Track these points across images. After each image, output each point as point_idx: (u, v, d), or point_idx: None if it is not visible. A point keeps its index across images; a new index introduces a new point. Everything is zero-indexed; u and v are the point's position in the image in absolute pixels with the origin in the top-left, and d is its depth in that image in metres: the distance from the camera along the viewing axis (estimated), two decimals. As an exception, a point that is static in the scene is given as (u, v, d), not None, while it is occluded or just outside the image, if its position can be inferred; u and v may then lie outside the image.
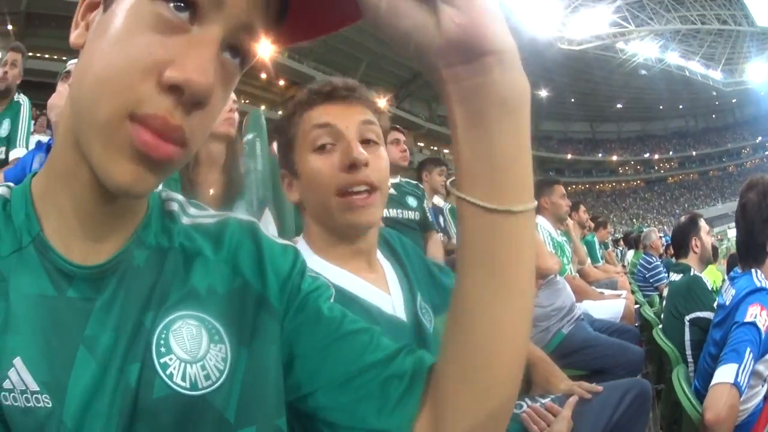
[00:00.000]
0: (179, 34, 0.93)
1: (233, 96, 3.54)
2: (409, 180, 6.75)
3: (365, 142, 2.02)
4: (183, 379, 1.06)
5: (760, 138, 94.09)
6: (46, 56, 37.28)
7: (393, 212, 6.03)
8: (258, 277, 1.22)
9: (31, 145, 6.34)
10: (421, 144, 76.32)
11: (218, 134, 3.57)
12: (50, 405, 0.96)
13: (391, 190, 6.04)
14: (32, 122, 6.93)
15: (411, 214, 6.17)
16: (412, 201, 6.27)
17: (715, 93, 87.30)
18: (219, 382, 1.09)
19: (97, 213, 1.06)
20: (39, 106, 10.00)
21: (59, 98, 4.15)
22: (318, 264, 2.01)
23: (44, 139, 6.51)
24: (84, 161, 1.00)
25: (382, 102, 61.46)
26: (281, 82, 55.46)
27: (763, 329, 3.22)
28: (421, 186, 7.01)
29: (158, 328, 1.07)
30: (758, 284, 3.47)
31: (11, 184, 1.17)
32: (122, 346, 1.04)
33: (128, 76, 0.91)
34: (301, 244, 2.12)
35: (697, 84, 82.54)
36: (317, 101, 2.07)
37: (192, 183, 3.58)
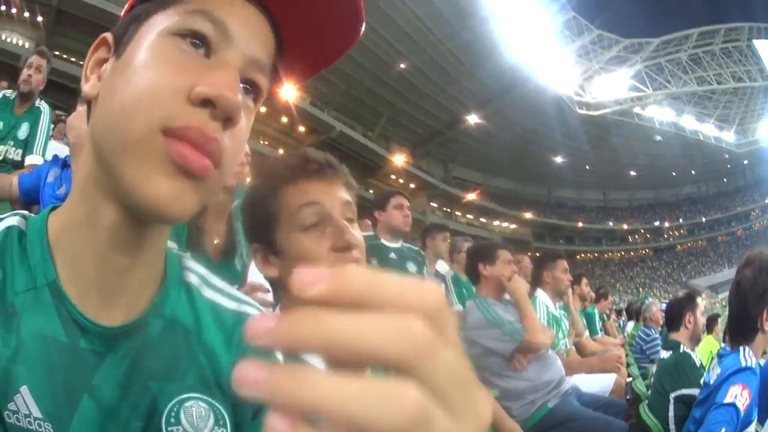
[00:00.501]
0: (199, 62, 1.01)
1: (247, 149, 3.72)
2: (411, 246, 6.79)
3: (347, 219, 2.02)
4: None
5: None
6: (72, 59, 36.96)
7: None
8: None
9: (49, 152, 6.44)
10: (434, 204, 75.92)
11: (227, 185, 3.62)
12: None
13: (392, 255, 6.16)
14: (51, 127, 6.95)
15: None
16: (412, 266, 6.30)
17: (727, 156, 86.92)
18: None
19: (114, 265, 1.08)
20: (60, 108, 9.94)
21: (79, 119, 4.16)
22: None
23: (61, 149, 6.66)
24: (106, 205, 1.04)
25: (400, 159, 61.43)
26: (301, 128, 55.43)
27: (742, 408, 3.26)
28: (423, 252, 7.05)
29: (171, 401, 1.14)
30: (743, 363, 3.47)
31: (27, 213, 1.19)
32: (127, 405, 1.09)
33: (158, 93, 0.97)
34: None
35: (710, 148, 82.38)
36: (299, 176, 2.04)
37: (199, 230, 3.66)
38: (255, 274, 2.95)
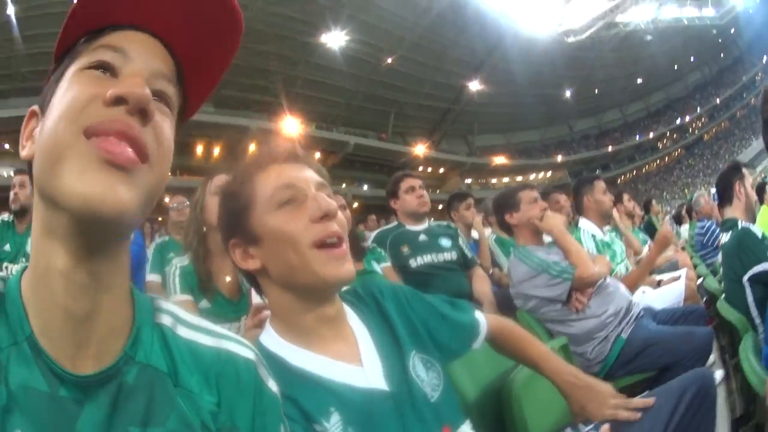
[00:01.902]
0: (109, 80, 1.13)
1: None
2: (439, 222, 6.77)
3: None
4: None
5: (765, 57, 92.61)
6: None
7: (428, 257, 6.05)
8: (242, 418, 1.31)
9: None
10: (469, 180, 76.69)
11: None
12: None
13: (422, 237, 6.15)
14: None
15: (447, 255, 6.15)
16: (445, 242, 6.25)
17: (714, 31, 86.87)
18: None
19: (76, 314, 1.11)
20: None
21: None
22: (280, 347, 2.00)
23: None
24: (57, 248, 1.09)
25: (421, 149, 62.04)
26: (317, 154, 55.96)
27: None
28: (453, 225, 6.95)
29: None
30: None
31: (4, 275, 1.23)
32: None
33: (76, 105, 1.07)
34: (267, 327, 2.11)
35: (697, 29, 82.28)
36: (270, 163, 2.08)
37: (208, 273, 3.78)
38: (257, 297, 2.77)
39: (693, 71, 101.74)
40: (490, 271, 7.50)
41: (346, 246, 1.98)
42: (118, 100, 1.07)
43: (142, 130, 1.09)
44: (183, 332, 1.32)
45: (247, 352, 1.38)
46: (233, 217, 2.08)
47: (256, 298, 2.97)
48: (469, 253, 6.49)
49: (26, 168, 1.21)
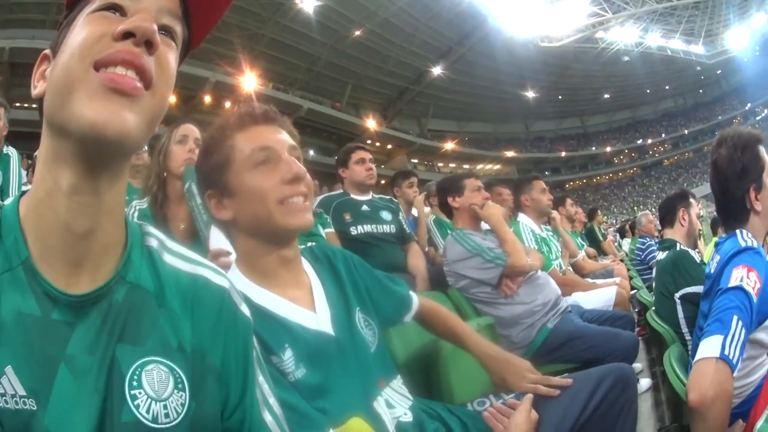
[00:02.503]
0: (119, 19, 1.22)
1: (197, 133, 4.07)
2: (382, 196, 6.89)
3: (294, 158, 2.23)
4: (147, 411, 1.24)
5: (749, 105, 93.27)
6: (34, 106, 37.95)
7: (368, 227, 6.21)
8: (213, 343, 1.40)
9: None
10: (415, 160, 76.51)
11: (181, 173, 3.86)
12: (35, 408, 1.12)
13: (364, 207, 6.33)
14: (24, 172, 7.13)
15: (387, 228, 6.30)
16: (386, 215, 6.40)
17: (699, 68, 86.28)
18: (176, 421, 1.28)
19: (76, 230, 1.21)
20: (30, 157, 10.06)
21: None
22: (245, 286, 2.17)
23: None
24: (63, 170, 1.19)
25: (373, 124, 61.95)
26: (260, 105, 55.87)
27: (753, 292, 2.89)
28: (395, 200, 7.09)
29: (134, 365, 1.24)
30: (743, 244, 3.18)
31: (1, 203, 1.30)
32: (96, 369, 1.19)
33: (88, 41, 1.18)
34: (233, 268, 2.30)
35: (680, 62, 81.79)
36: (249, 123, 2.28)
37: (165, 218, 3.91)
38: (215, 243, 3.19)
39: (665, 99, 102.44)
40: (425, 249, 7.68)
41: (309, 201, 2.21)
42: (126, 35, 1.18)
43: (147, 59, 1.19)
44: (167, 257, 1.43)
45: (221, 280, 1.49)
46: (212, 171, 2.27)
47: (213, 244, 3.17)
48: (407, 229, 6.66)
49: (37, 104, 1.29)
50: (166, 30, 1.29)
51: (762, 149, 3.39)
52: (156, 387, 1.25)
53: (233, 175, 2.21)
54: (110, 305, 1.25)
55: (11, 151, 6.77)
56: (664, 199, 5.87)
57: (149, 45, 1.19)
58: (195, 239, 3.69)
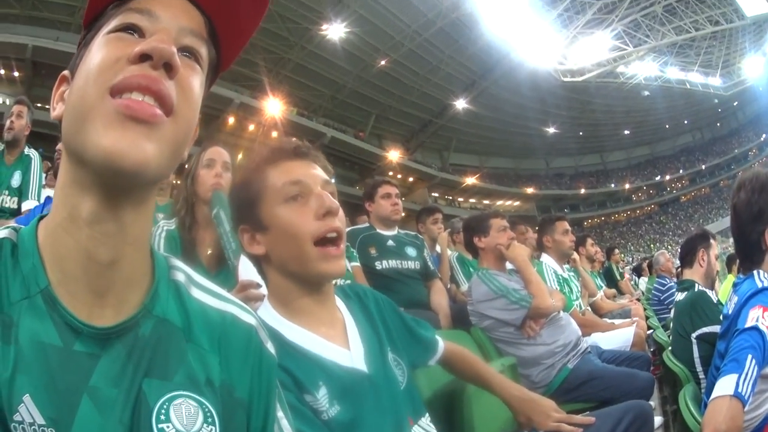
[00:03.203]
0: (137, 41, 1.15)
1: (227, 157, 4.04)
2: (408, 231, 6.86)
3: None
4: None
5: (764, 135, 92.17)
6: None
7: (393, 263, 6.17)
8: (240, 378, 1.36)
9: (43, 198, 6.55)
10: (436, 194, 76.26)
11: (208, 198, 3.78)
12: None
13: (390, 242, 6.29)
14: (44, 175, 7.10)
15: (411, 264, 6.27)
16: (411, 251, 6.38)
17: (716, 100, 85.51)
18: None
19: (98, 260, 1.15)
20: (49, 159, 10.10)
21: None
22: (278, 323, 2.16)
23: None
24: (83, 197, 1.13)
25: (395, 155, 61.72)
26: (293, 140, 55.60)
27: (767, 331, 3.00)
28: (420, 236, 7.08)
29: (161, 398, 1.18)
30: (759, 285, 3.26)
31: (17, 225, 1.25)
32: (121, 402, 1.13)
33: (104, 65, 1.11)
34: (265, 303, 2.30)
35: (698, 95, 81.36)
36: (281, 158, 2.25)
37: (193, 243, 3.83)
38: (244, 274, 3.06)
39: (683, 134, 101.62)
40: (448, 287, 7.62)
41: (343, 245, 2.19)
42: (143, 57, 1.11)
43: (166, 83, 1.12)
44: (195, 292, 1.38)
45: (248, 317, 1.46)
46: (244, 205, 2.28)
47: (242, 276, 3.09)
48: (431, 266, 6.63)
49: (57, 124, 1.24)
50: (188, 51, 1.23)
51: None
52: (185, 421, 1.21)
53: (266, 209, 2.20)
54: (136, 338, 1.21)
55: (33, 153, 6.80)
56: (686, 239, 5.92)
57: (168, 68, 1.13)
58: (222, 266, 3.67)
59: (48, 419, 1.04)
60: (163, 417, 1.18)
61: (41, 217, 1.24)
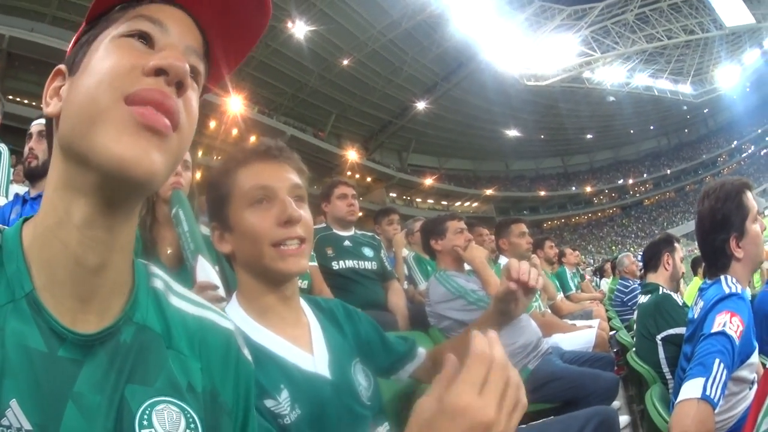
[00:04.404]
0: (148, 51, 1.17)
1: (188, 156, 3.97)
2: (364, 232, 6.88)
3: (295, 197, 2.24)
4: None
5: (735, 142, 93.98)
6: (26, 101, 37.68)
7: (350, 263, 6.15)
8: (223, 383, 1.38)
9: (11, 195, 6.29)
10: (394, 194, 77.06)
11: (168, 197, 3.75)
12: None
13: (347, 242, 6.30)
14: (12, 170, 6.86)
15: (368, 264, 6.27)
16: (368, 252, 6.39)
17: (685, 107, 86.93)
18: None
19: (86, 265, 1.14)
20: (17, 153, 9.90)
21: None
22: (244, 322, 2.20)
23: (21, 190, 6.44)
24: (76, 201, 1.13)
25: (354, 155, 62.03)
26: (252, 138, 55.61)
27: (735, 336, 3.08)
28: (377, 237, 7.10)
29: (143, 404, 1.19)
30: (727, 290, 3.34)
31: (1, 227, 1.22)
32: (105, 408, 1.13)
33: (118, 71, 1.11)
34: (233, 301, 2.33)
35: (666, 102, 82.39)
36: (251, 159, 2.29)
37: (153, 242, 3.80)
38: (201, 275, 3.10)
39: (648, 139, 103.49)
40: (405, 287, 7.65)
41: (305, 246, 2.22)
42: (159, 71, 1.12)
43: (176, 100, 1.14)
44: (173, 299, 1.39)
45: (226, 323, 1.47)
46: (214, 204, 2.34)
47: (199, 277, 3.08)
48: (388, 266, 6.64)
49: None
50: (192, 71, 1.25)
51: (746, 196, 3.53)
52: (167, 427, 1.21)
53: (232, 210, 2.24)
54: (118, 345, 1.21)
55: (2, 148, 6.54)
56: (649, 243, 5.95)
57: (180, 86, 1.16)
58: (182, 266, 3.61)
59: (35, 425, 1.04)
60: (145, 422, 1.18)
61: (26, 219, 1.23)
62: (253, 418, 1.47)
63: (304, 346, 2.24)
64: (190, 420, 1.24)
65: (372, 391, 2.39)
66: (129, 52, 1.14)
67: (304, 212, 2.24)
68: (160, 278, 1.41)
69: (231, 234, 2.28)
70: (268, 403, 2.04)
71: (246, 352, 1.49)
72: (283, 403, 2.06)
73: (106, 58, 1.14)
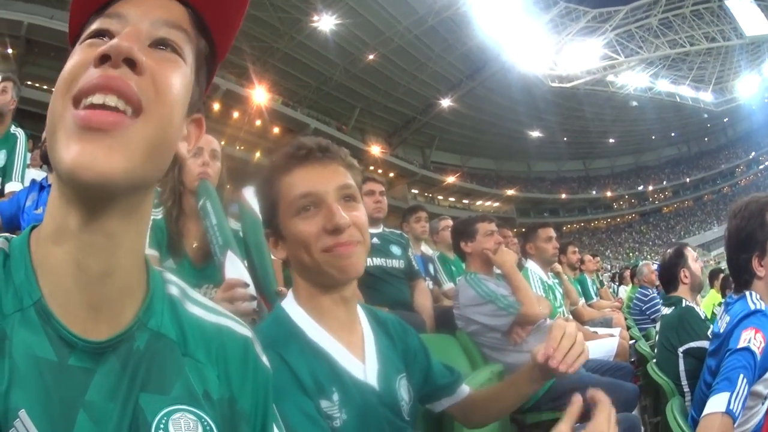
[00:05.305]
0: (104, 44, 1.09)
1: (216, 146, 3.88)
2: (393, 230, 6.82)
3: (345, 198, 2.21)
4: None
5: (753, 153, 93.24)
6: (45, 87, 37.72)
7: (378, 261, 6.08)
8: (241, 391, 1.36)
9: (27, 180, 6.45)
10: (416, 191, 76.65)
11: (195, 188, 3.66)
12: None
13: (375, 240, 6.09)
14: (28, 155, 7.02)
15: (396, 263, 6.21)
16: (396, 250, 6.31)
17: (706, 115, 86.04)
18: None
19: (89, 272, 1.12)
20: (35, 138, 9.99)
21: None
22: (304, 321, 2.25)
23: (38, 176, 6.66)
24: (70, 209, 1.09)
25: (377, 150, 61.75)
26: (276, 129, 55.51)
27: (758, 351, 3.17)
28: (406, 235, 7.04)
29: (159, 413, 1.17)
30: (752, 307, 3.41)
31: (9, 235, 1.22)
32: (117, 416, 1.11)
33: (66, 77, 1.08)
34: (289, 297, 2.35)
35: (687, 109, 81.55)
36: (294, 165, 2.24)
37: (179, 234, 3.70)
38: (230, 272, 3.07)
39: (670, 146, 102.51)
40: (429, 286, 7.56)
41: (359, 246, 2.19)
42: (104, 58, 1.06)
43: (131, 79, 1.06)
44: (189, 306, 1.37)
45: (243, 330, 1.45)
46: (265, 212, 2.36)
47: (228, 273, 3.06)
48: (416, 265, 6.58)
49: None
50: (164, 44, 1.18)
51: None
52: None
53: (281, 219, 2.24)
54: (130, 352, 1.19)
55: (19, 132, 6.68)
56: (661, 263, 5.89)
57: (131, 64, 1.07)
58: (209, 260, 3.52)
59: None
60: (162, 431, 1.16)
61: (34, 226, 1.22)
62: (272, 424, 1.46)
63: (357, 354, 2.27)
64: (207, 428, 1.24)
65: (411, 406, 2.43)
66: (84, 52, 1.11)
67: (356, 212, 2.21)
68: (176, 285, 1.39)
69: (284, 242, 2.27)
70: (323, 403, 2.08)
71: (264, 359, 1.48)
72: (335, 404, 2.10)
73: (65, 66, 1.11)
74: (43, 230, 1.16)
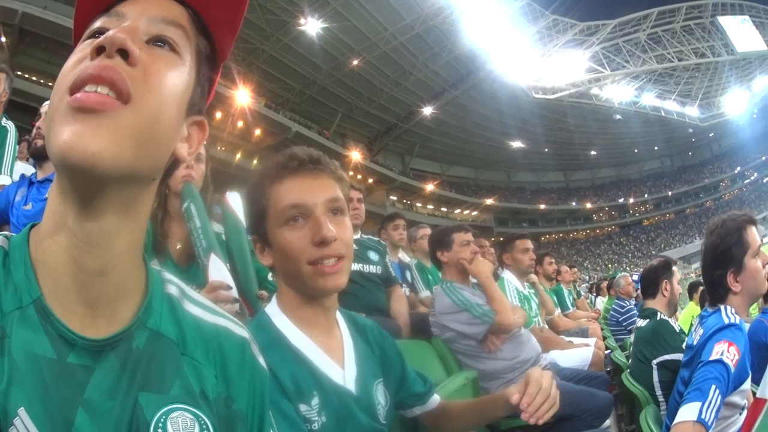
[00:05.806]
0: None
1: (202, 151, 3.83)
2: (370, 236, 6.92)
3: (333, 211, 2.26)
4: None
5: (738, 168, 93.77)
6: (34, 78, 37.77)
7: (356, 266, 6.07)
8: (238, 391, 1.38)
9: (15, 173, 6.32)
10: (394, 197, 76.49)
11: (179, 191, 3.64)
12: None
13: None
14: (17, 147, 6.77)
15: (373, 269, 6.25)
16: (373, 256, 6.36)
17: (691, 130, 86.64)
18: None
19: (86, 269, 1.13)
20: (23, 129, 9.90)
21: None
22: (287, 327, 2.31)
23: (27, 169, 6.59)
24: (67, 206, 1.11)
25: (357, 155, 61.69)
26: (257, 131, 55.38)
27: (731, 364, 3.26)
28: (383, 242, 7.08)
29: (158, 412, 1.19)
30: (726, 321, 3.50)
31: (8, 233, 1.22)
32: (116, 415, 1.13)
33: (66, 71, 1.09)
34: (273, 303, 2.41)
35: (673, 123, 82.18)
36: (285, 175, 2.28)
37: (164, 235, 3.66)
38: (214, 274, 3.11)
39: (652, 159, 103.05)
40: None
41: (343, 261, 2.24)
42: (99, 50, 1.08)
43: (122, 69, 1.07)
44: (187, 306, 1.38)
45: (241, 331, 1.46)
46: (253, 219, 2.38)
47: (212, 276, 3.10)
48: (393, 272, 6.61)
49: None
50: (161, 41, 1.19)
51: (748, 231, 3.70)
52: None
53: (269, 228, 2.28)
54: (129, 350, 1.20)
55: (9, 125, 6.48)
56: (647, 269, 5.93)
57: (124, 54, 1.08)
58: (193, 262, 3.54)
59: None
60: (160, 430, 1.17)
61: (33, 225, 1.22)
62: (268, 425, 1.48)
63: (337, 359, 2.32)
64: (205, 427, 1.25)
65: (388, 410, 2.48)
66: (82, 50, 1.13)
67: (342, 226, 2.25)
68: (175, 284, 1.40)
69: (271, 249, 2.31)
70: (303, 407, 2.13)
71: (261, 360, 1.49)
72: (314, 408, 2.15)
73: (65, 65, 1.12)
74: (43, 227, 1.17)
